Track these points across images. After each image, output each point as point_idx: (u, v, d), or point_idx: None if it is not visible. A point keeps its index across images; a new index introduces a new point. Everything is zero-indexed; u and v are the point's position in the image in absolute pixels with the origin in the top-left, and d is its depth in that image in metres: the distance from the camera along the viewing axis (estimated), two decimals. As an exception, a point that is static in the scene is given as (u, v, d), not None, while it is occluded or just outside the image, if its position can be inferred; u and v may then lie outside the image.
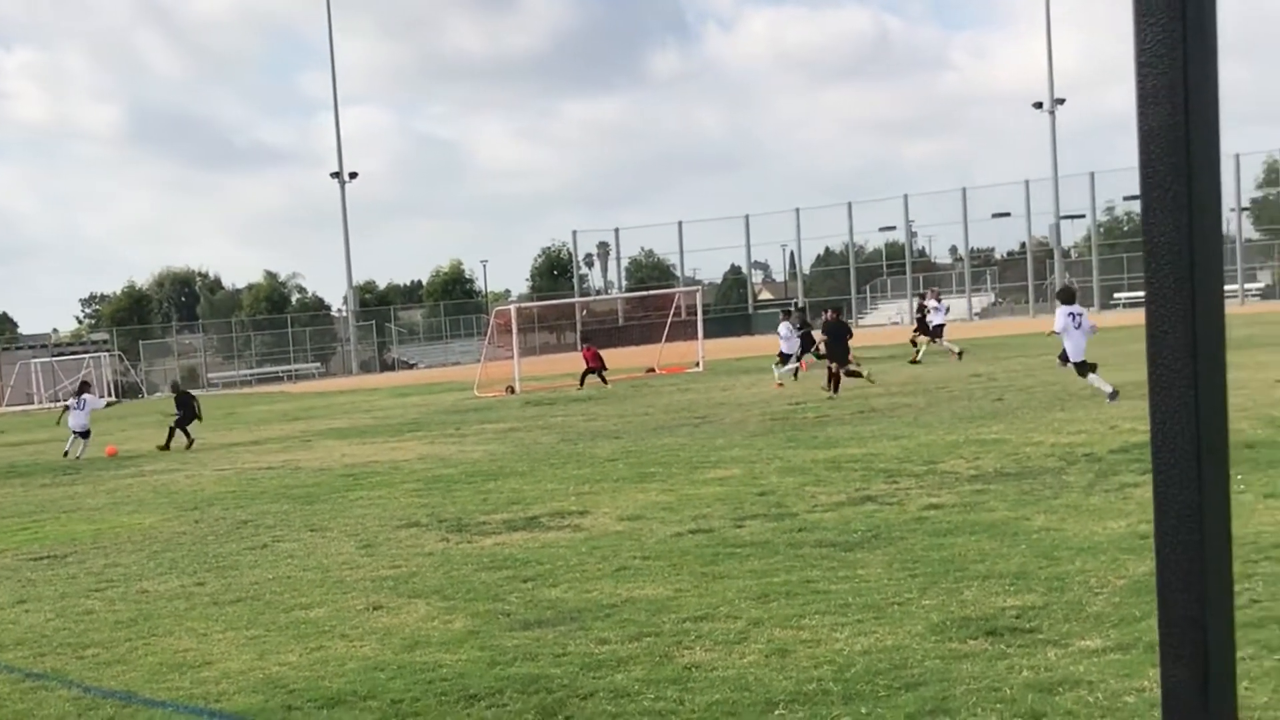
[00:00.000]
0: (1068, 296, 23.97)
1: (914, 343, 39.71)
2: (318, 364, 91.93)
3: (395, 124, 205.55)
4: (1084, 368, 22.63)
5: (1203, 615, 1.57)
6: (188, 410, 31.32)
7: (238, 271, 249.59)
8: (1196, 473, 1.57)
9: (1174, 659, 1.59)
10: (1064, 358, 23.32)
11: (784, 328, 36.98)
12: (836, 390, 28.49)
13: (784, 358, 36.08)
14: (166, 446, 30.24)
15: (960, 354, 37.20)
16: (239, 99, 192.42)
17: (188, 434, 30.65)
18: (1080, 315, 22.89)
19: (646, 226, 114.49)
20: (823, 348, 30.46)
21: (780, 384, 33.76)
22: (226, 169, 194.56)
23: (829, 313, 30.82)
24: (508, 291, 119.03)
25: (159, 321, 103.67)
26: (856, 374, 28.93)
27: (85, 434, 31.21)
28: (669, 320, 49.93)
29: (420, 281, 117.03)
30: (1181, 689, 1.58)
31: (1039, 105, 78.19)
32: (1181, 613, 1.58)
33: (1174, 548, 1.59)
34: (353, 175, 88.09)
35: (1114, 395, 21.18)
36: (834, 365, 28.94)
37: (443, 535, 13.94)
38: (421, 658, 8.79)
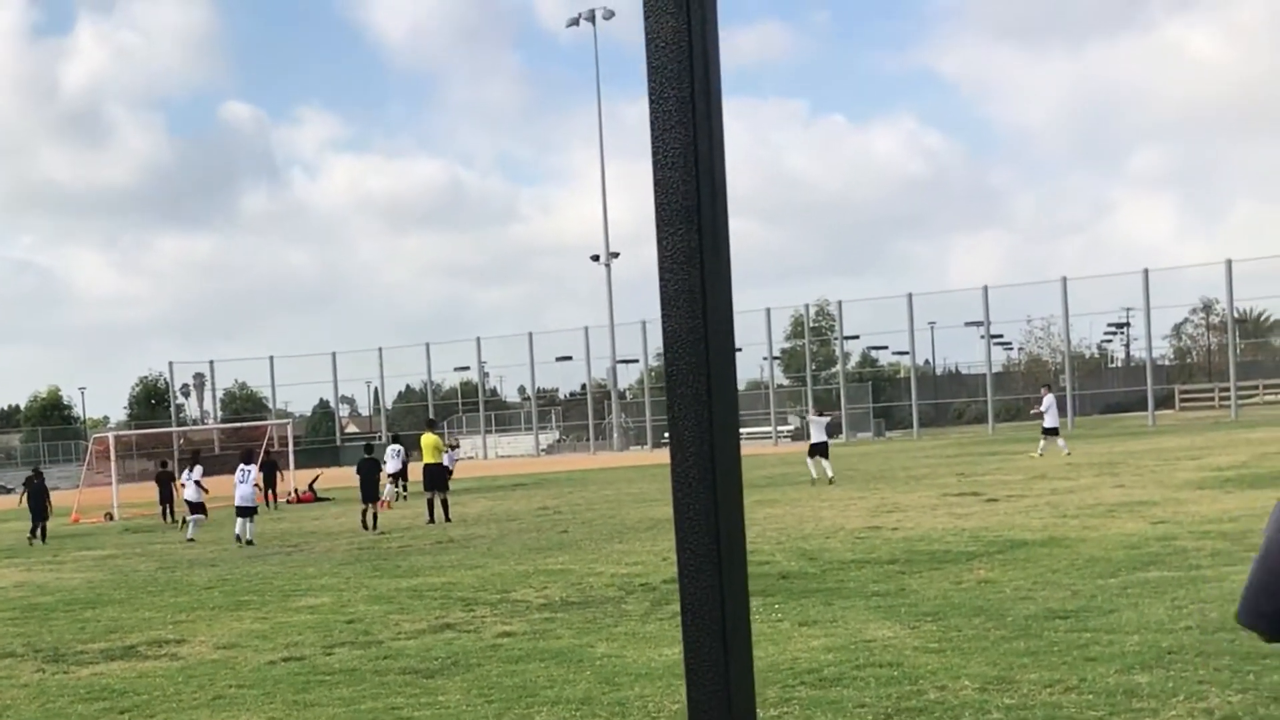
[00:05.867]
0: None
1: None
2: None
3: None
4: None
5: None
6: None
7: None
8: (720, 616, 1.58)
9: None
10: None
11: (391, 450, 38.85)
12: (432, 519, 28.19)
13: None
14: None
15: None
16: None
17: None
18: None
19: (241, 360, 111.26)
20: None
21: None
22: None
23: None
24: (106, 418, 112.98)
25: None
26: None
27: None
28: (263, 451, 48.48)
29: (18, 406, 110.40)
30: None
31: (596, 258, 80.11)
32: None
33: (702, 677, 1.59)
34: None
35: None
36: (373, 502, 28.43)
37: (39, 666, 12.96)
38: (17, 795, 8.16)
